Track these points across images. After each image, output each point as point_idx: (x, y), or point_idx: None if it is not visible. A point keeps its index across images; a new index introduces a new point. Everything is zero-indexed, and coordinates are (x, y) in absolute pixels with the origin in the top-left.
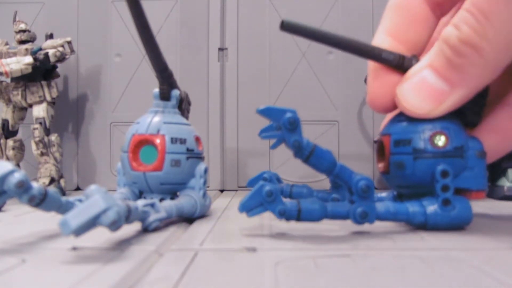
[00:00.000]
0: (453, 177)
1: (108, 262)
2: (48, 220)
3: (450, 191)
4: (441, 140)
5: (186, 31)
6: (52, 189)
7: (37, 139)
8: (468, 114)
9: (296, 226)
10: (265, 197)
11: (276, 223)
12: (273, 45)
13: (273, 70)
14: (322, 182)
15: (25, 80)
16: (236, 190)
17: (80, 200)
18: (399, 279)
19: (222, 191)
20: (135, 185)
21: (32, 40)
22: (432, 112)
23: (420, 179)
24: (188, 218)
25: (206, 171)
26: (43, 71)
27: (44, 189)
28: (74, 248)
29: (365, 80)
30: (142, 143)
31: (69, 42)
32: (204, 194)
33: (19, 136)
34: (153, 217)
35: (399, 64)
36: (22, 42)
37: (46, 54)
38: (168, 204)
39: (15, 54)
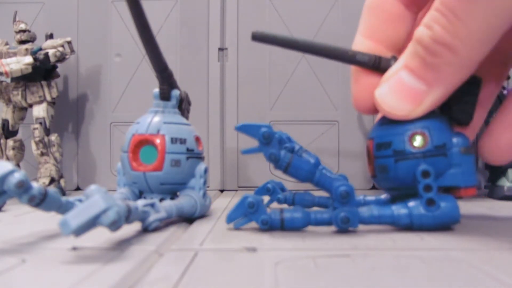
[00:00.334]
0: (437, 176)
1: (108, 262)
2: (48, 220)
3: (433, 191)
4: (419, 141)
5: (186, 31)
6: (52, 189)
7: (37, 139)
8: (457, 113)
9: None
10: (248, 208)
11: None
12: None
13: (273, 70)
14: None
15: (25, 80)
16: (236, 190)
17: (80, 200)
18: (399, 279)
19: (222, 191)
20: (135, 185)
21: (32, 40)
22: (412, 113)
23: (403, 181)
24: (188, 218)
25: (206, 171)
26: (43, 71)
27: (44, 189)
28: (74, 248)
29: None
30: (142, 143)
31: (69, 42)
32: (204, 194)
33: (19, 136)
34: (153, 217)
35: (375, 66)
36: (22, 42)
37: (46, 54)
38: (168, 204)
39: (15, 54)
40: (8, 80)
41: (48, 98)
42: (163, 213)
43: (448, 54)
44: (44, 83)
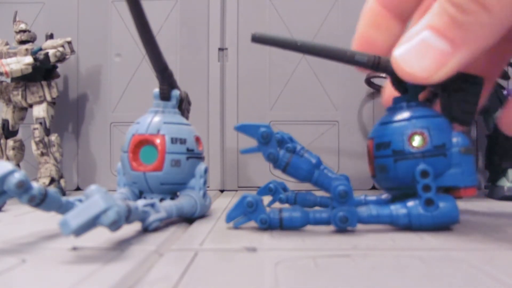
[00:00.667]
0: (436, 176)
1: (108, 262)
2: (48, 220)
3: (432, 191)
4: (418, 141)
5: (186, 31)
6: (52, 189)
7: (37, 139)
8: (458, 113)
9: None
10: (246, 207)
11: None
12: None
13: (273, 70)
14: None
15: (25, 80)
16: (236, 190)
17: (80, 200)
18: (399, 279)
19: (222, 191)
20: (135, 185)
21: (32, 40)
22: (434, 76)
23: (402, 181)
24: (188, 218)
25: (206, 171)
26: (43, 71)
27: (44, 189)
28: (74, 248)
29: (365, 81)
30: (142, 143)
31: (69, 42)
32: (204, 194)
33: (19, 136)
34: (153, 217)
35: (375, 65)
36: (22, 42)
37: (46, 54)
38: (168, 204)
39: (15, 54)
40: (8, 80)
41: (48, 98)
42: (163, 213)
43: (482, 12)
44: (44, 83)
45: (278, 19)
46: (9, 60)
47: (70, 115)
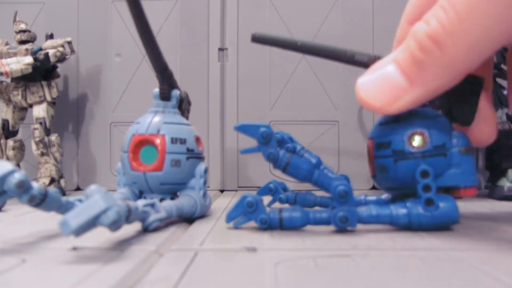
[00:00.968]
0: (436, 176)
1: (108, 262)
2: (48, 220)
3: (432, 191)
4: (418, 141)
5: (186, 31)
6: (52, 189)
7: (37, 139)
8: (458, 113)
9: None
10: (246, 207)
11: None
12: None
13: (273, 70)
14: None
15: (25, 80)
16: (236, 190)
17: (80, 200)
18: (399, 279)
19: (222, 191)
20: (135, 185)
21: (32, 40)
22: (387, 108)
23: (402, 181)
24: (188, 218)
25: (206, 171)
26: (43, 71)
27: (44, 189)
28: (74, 248)
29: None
30: (142, 143)
31: (69, 42)
32: (204, 194)
33: (19, 136)
34: (153, 217)
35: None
36: (22, 42)
37: (46, 54)
38: (168, 204)
39: (15, 54)
40: (8, 80)
41: (48, 98)
42: (163, 213)
43: (437, 52)
44: (44, 83)
45: (278, 19)
46: (9, 60)
47: (70, 115)
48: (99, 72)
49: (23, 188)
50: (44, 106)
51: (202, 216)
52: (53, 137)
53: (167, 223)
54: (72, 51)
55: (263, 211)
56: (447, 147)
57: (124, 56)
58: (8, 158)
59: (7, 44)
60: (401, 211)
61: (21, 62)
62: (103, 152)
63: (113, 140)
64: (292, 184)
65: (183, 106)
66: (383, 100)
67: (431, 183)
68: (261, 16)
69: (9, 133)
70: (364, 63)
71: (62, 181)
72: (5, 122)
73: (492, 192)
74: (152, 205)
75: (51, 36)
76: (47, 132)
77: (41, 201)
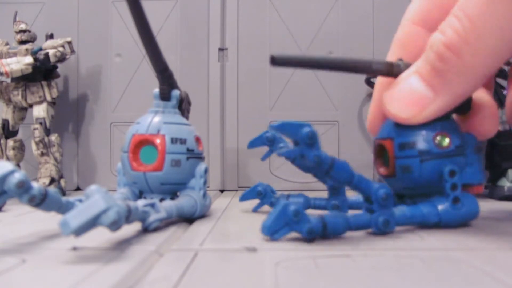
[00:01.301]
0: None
1: (108, 262)
2: (48, 220)
3: (459, 189)
4: (445, 141)
5: (186, 31)
6: (52, 189)
7: (37, 139)
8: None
9: None
10: (292, 217)
11: None
12: (273, 45)
13: (273, 70)
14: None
15: (25, 80)
16: (236, 190)
17: (80, 200)
18: (399, 279)
19: (222, 191)
20: (135, 185)
21: (32, 40)
22: (414, 118)
23: (427, 180)
24: (188, 218)
25: (206, 171)
26: (43, 71)
27: (44, 189)
28: (74, 248)
29: (366, 81)
30: (142, 143)
31: (69, 42)
32: (204, 194)
33: (19, 136)
34: (153, 217)
35: (389, 72)
36: (22, 42)
37: (47, 54)
38: (168, 204)
39: (15, 54)
40: (8, 80)
41: (48, 98)
42: (163, 213)
43: (455, 60)
44: (44, 83)
45: (278, 19)
46: (9, 60)
47: (70, 115)
48: (99, 72)
49: (23, 188)
50: (44, 106)
51: (202, 216)
52: (53, 137)
53: (167, 223)
54: (72, 51)
55: (307, 219)
56: (465, 147)
57: (124, 56)
58: (8, 158)
59: (7, 44)
60: (431, 210)
61: (21, 62)
62: (103, 152)
63: (113, 140)
64: (275, 186)
65: (183, 106)
66: (410, 111)
67: (458, 181)
68: (261, 16)
69: (9, 133)
70: (381, 70)
71: (62, 181)
72: (5, 122)
73: (492, 192)
74: (152, 205)
75: (51, 36)
76: (47, 132)
77: (41, 201)
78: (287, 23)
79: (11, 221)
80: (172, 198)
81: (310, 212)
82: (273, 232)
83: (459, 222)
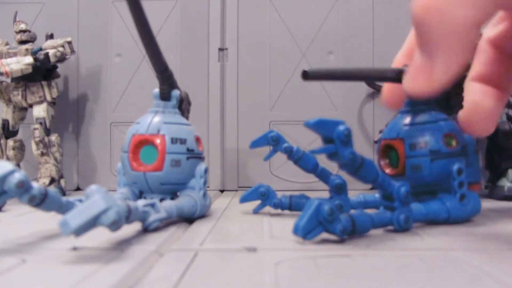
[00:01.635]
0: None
1: (108, 262)
2: (48, 220)
3: (465, 187)
4: (452, 141)
5: (186, 31)
6: (52, 189)
7: (37, 139)
8: (455, 103)
9: None
10: (327, 216)
11: (277, 223)
12: (273, 45)
13: (273, 70)
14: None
15: (25, 80)
16: (236, 190)
17: (80, 200)
18: (399, 279)
19: (222, 191)
20: (135, 185)
21: (32, 40)
22: (428, 88)
23: (436, 179)
24: (188, 218)
25: (206, 171)
26: (43, 71)
27: (44, 189)
28: (74, 248)
29: (366, 81)
30: (142, 143)
31: (69, 42)
32: (204, 194)
33: (19, 136)
34: (153, 217)
35: (401, 79)
36: (22, 42)
37: (47, 54)
38: (168, 204)
39: (15, 54)
40: (8, 80)
41: (48, 98)
42: (163, 213)
43: (435, 17)
44: (44, 83)
45: (278, 19)
46: (9, 60)
47: (70, 115)
48: (99, 72)
49: (23, 188)
50: (44, 106)
51: (202, 216)
52: (53, 137)
53: (167, 223)
54: (72, 51)
55: (339, 219)
56: (468, 147)
57: (124, 56)
58: (8, 158)
59: (7, 44)
60: (441, 207)
61: (21, 62)
62: (103, 152)
63: (113, 140)
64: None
65: (183, 106)
66: (421, 84)
67: (465, 179)
68: (261, 16)
69: (9, 133)
70: (393, 77)
71: (62, 181)
72: (5, 122)
73: (492, 192)
74: (152, 205)
75: (51, 36)
76: (47, 132)
77: (41, 201)
78: (287, 23)
79: (11, 221)
80: (172, 198)
81: None
82: (306, 232)
83: (465, 218)
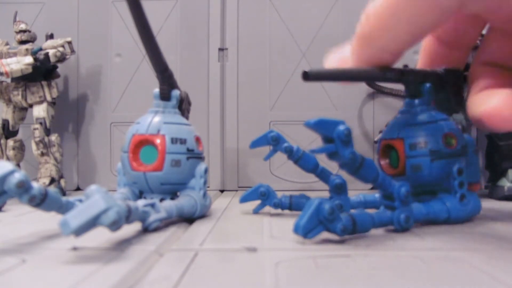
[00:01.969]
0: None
1: (108, 262)
2: (48, 220)
3: (465, 187)
4: (452, 141)
5: (186, 31)
6: (52, 189)
7: (37, 139)
8: (455, 106)
9: None
10: (327, 215)
11: (277, 223)
12: (273, 45)
13: (273, 70)
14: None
15: (26, 80)
16: (236, 190)
17: (80, 200)
18: (399, 279)
19: (222, 191)
20: (135, 185)
21: (32, 40)
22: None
23: (436, 179)
24: (188, 218)
25: (206, 171)
26: (43, 71)
27: (44, 189)
28: (74, 248)
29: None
30: (142, 143)
31: (69, 42)
32: (204, 194)
33: (19, 136)
34: (153, 217)
35: (400, 79)
36: (22, 42)
37: (47, 54)
38: (168, 204)
39: (15, 54)
40: (8, 80)
41: (48, 98)
42: (163, 213)
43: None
44: (44, 83)
45: (278, 19)
46: (9, 60)
47: (70, 115)
48: (99, 72)
49: (23, 188)
50: (44, 106)
51: (202, 216)
52: (53, 137)
53: (167, 223)
54: (72, 51)
55: (340, 218)
56: (468, 148)
57: (124, 56)
58: (8, 158)
59: (7, 44)
60: (442, 207)
61: (21, 62)
62: (103, 152)
63: (113, 140)
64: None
65: (183, 106)
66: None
67: (465, 179)
68: (261, 16)
69: (9, 133)
70: (392, 78)
71: (62, 181)
72: (5, 122)
73: (492, 192)
74: (152, 205)
75: (51, 36)
76: (47, 132)
77: (41, 201)
78: (287, 23)
79: (11, 221)
80: (172, 198)
81: None
82: (307, 231)
83: (465, 218)
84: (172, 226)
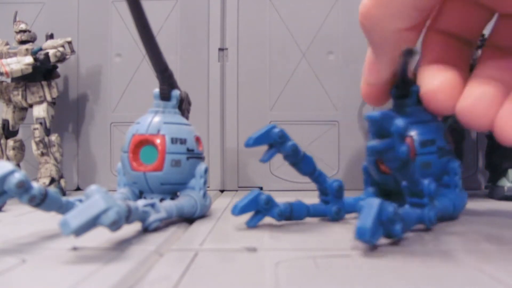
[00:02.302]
0: None
1: (108, 262)
2: (48, 220)
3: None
4: (450, 139)
5: (186, 31)
6: (52, 189)
7: (37, 139)
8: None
9: (296, 227)
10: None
11: (277, 223)
12: (273, 45)
13: (273, 70)
14: None
15: (25, 80)
16: (236, 190)
17: (80, 200)
18: (399, 279)
19: (222, 191)
20: (135, 185)
21: (32, 40)
22: (376, 80)
23: (439, 175)
24: (188, 218)
25: (206, 171)
26: (43, 71)
27: (44, 189)
28: (74, 248)
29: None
30: (142, 143)
31: (69, 42)
32: (204, 194)
33: (19, 136)
34: (153, 217)
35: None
36: (22, 42)
37: (47, 54)
38: (168, 204)
39: (15, 54)
40: (8, 80)
41: (48, 98)
42: (163, 213)
43: (370, 24)
44: (44, 83)
45: (278, 19)
46: (9, 60)
47: (70, 115)
48: (99, 72)
49: (23, 188)
50: (44, 106)
51: (202, 216)
52: (53, 137)
53: (167, 223)
54: (72, 51)
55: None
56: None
57: (124, 56)
58: (8, 158)
59: (7, 44)
60: (449, 202)
61: (21, 62)
62: (103, 152)
63: (113, 140)
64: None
65: (183, 106)
66: (373, 77)
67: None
68: (261, 16)
69: (9, 133)
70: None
71: (62, 181)
72: (5, 122)
73: (492, 192)
74: (152, 205)
75: (51, 36)
76: (47, 132)
77: (41, 201)
78: (287, 23)
79: (11, 221)
80: (172, 198)
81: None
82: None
83: (462, 210)
84: (172, 226)
